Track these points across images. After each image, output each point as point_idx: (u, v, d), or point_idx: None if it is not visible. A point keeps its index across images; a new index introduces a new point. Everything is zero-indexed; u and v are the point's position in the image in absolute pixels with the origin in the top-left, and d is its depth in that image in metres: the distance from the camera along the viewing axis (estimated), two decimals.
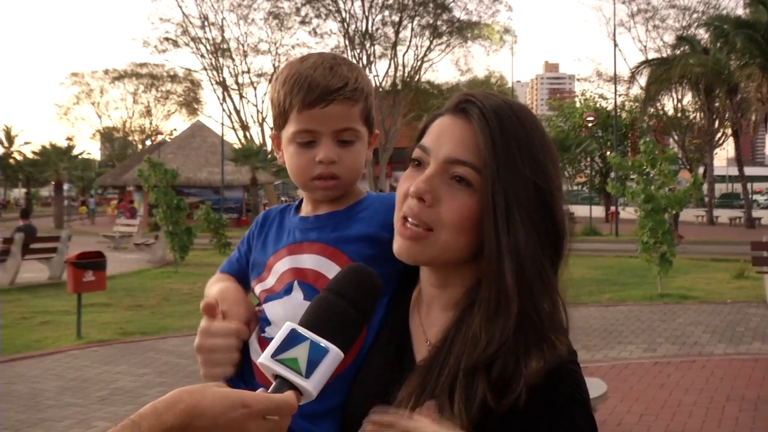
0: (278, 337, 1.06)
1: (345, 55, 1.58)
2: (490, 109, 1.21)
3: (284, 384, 1.03)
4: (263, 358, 1.05)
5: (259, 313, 1.45)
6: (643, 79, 44.00)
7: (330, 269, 1.40)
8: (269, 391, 1.03)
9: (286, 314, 1.39)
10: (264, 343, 1.41)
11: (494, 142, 1.18)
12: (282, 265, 1.46)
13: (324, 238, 1.45)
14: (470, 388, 1.12)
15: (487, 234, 1.17)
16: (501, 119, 1.20)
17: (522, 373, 1.10)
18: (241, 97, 55.29)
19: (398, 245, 1.25)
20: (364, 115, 1.45)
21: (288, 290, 1.43)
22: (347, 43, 48.30)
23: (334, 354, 1.06)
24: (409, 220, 1.22)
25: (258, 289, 1.49)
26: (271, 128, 1.56)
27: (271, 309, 1.43)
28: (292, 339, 1.05)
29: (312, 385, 1.03)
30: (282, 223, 1.54)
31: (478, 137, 1.19)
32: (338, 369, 1.11)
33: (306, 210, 1.54)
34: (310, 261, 1.44)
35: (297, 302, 1.40)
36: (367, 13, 48.30)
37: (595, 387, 5.32)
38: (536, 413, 1.11)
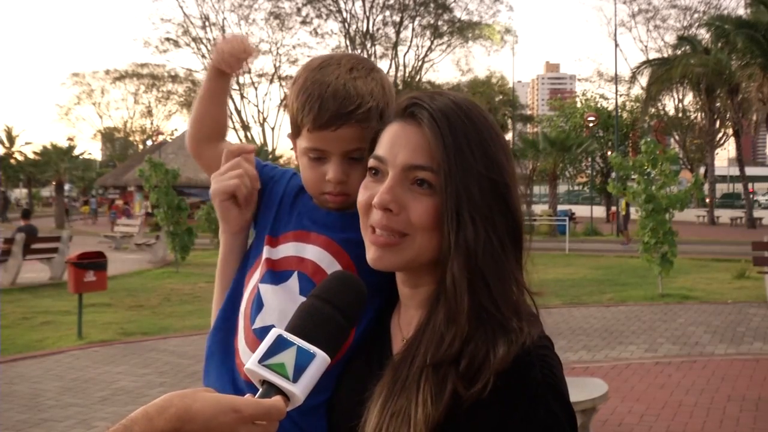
0: (265, 342, 1.07)
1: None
2: (437, 110, 1.21)
3: (271, 389, 1.04)
4: (250, 364, 1.05)
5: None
6: (644, 79, 44.10)
7: (331, 265, 1.42)
8: (257, 396, 1.04)
9: (279, 304, 1.40)
10: (251, 338, 1.42)
11: (445, 144, 1.19)
12: (287, 248, 1.47)
13: (331, 234, 1.46)
14: (439, 380, 1.13)
15: (443, 234, 1.19)
16: (449, 118, 1.21)
17: (491, 361, 1.11)
18: (242, 97, 55.36)
19: (372, 254, 1.25)
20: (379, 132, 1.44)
21: (286, 277, 1.44)
22: (348, 43, 48.35)
23: (321, 359, 1.06)
24: (378, 231, 1.23)
25: (265, 252, 1.48)
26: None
27: (266, 293, 1.44)
28: (279, 344, 1.06)
29: (299, 390, 1.04)
30: (296, 202, 1.53)
31: (429, 139, 1.20)
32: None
33: None
34: (313, 252, 1.44)
35: (292, 294, 1.41)
36: (368, 14, 48.39)
37: (596, 387, 5.33)
38: (509, 400, 1.12)
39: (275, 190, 1.56)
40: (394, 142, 1.24)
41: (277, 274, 1.45)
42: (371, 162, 1.27)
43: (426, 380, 1.13)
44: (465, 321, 1.15)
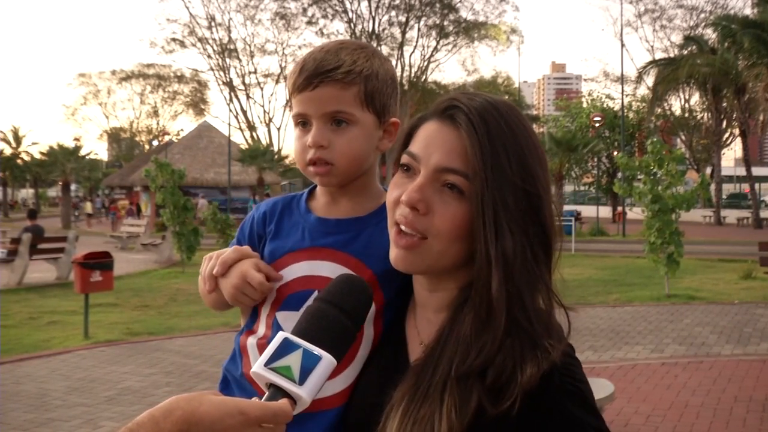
0: (271, 346, 1.06)
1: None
2: (476, 114, 1.19)
3: (278, 392, 1.03)
4: (256, 367, 1.05)
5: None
6: (650, 79, 43.92)
7: None
8: (263, 399, 1.03)
9: None
10: None
11: (482, 150, 1.17)
12: (300, 268, 1.42)
13: (347, 247, 1.42)
14: (464, 393, 1.11)
15: (477, 242, 1.17)
16: (488, 124, 1.19)
17: (518, 379, 1.10)
18: (248, 97, 55.50)
19: (394, 255, 1.24)
20: (365, 100, 1.40)
21: (304, 299, 1.39)
22: None
23: (327, 361, 1.06)
24: (403, 228, 1.22)
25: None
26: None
27: (285, 321, 1.40)
28: (285, 347, 1.06)
29: (306, 392, 1.03)
30: (292, 217, 1.50)
31: (465, 145, 1.18)
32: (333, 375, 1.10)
33: (323, 202, 1.50)
34: (332, 270, 1.40)
35: None
36: (373, 14, 48.38)
37: (602, 387, 5.31)
38: (531, 414, 1.11)
39: (248, 233, 1.53)
40: (430, 142, 1.23)
41: (294, 297, 1.41)
42: (404, 158, 1.26)
43: (450, 391, 1.12)
44: (499, 334, 1.13)
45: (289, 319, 1.39)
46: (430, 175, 1.20)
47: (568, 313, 1.22)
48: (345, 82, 1.37)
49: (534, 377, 1.10)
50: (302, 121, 1.42)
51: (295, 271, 1.43)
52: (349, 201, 1.47)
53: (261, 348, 1.42)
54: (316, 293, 1.37)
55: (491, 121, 1.19)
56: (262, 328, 1.44)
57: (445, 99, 1.26)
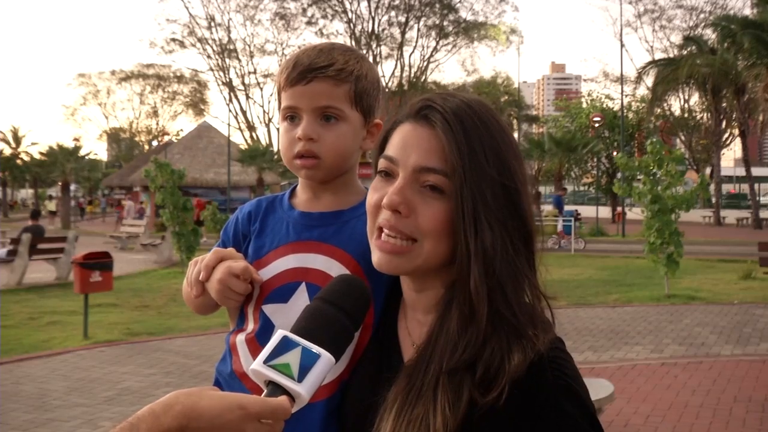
0: (270, 344, 1.07)
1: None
2: (451, 113, 1.20)
3: (277, 389, 1.04)
4: (256, 365, 1.06)
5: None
6: (649, 80, 43.94)
7: (339, 272, 1.39)
8: (263, 395, 1.04)
9: (291, 321, 1.36)
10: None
11: (459, 148, 1.17)
12: (285, 262, 1.44)
13: (331, 239, 1.44)
14: (456, 387, 1.12)
15: (458, 239, 1.18)
16: (463, 122, 1.20)
17: (506, 369, 1.11)
18: (248, 97, 55.53)
19: (378, 258, 1.24)
20: (354, 98, 1.44)
21: (292, 291, 1.41)
22: (353, 43, 48.33)
23: (326, 359, 1.07)
24: (386, 231, 1.22)
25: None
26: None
27: (273, 313, 1.42)
28: (284, 345, 1.07)
29: (304, 390, 1.04)
30: (275, 214, 1.52)
31: (443, 143, 1.19)
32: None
33: (304, 198, 1.52)
34: (318, 262, 1.42)
35: (303, 306, 1.39)
36: (373, 14, 48.39)
37: (602, 388, 5.31)
38: (522, 406, 1.12)
39: (233, 233, 1.55)
40: (406, 144, 1.23)
41: (281, 289, 1.42)
42: (381, 163, 1.26)
43: (443, 388, 1.13)
44: (482, 328, 1.14)
45: (277, 311, 1.41)
46: (409, 177, 1.21)
47: (550, 305, 1.23)
48: (337, 80, 1.41)
49: (521, 365, 1.11)
50: (291, 115, 1.45)
51: (281, 265, 1.44)
52: (331, 196, 1.50)
53: (250, 343, 1.43)
54: (303, 285, 1.41)
55: (466, 118, 1.20)
56: (250, 324, 1.45)
57: (418, 101, 1.27)
